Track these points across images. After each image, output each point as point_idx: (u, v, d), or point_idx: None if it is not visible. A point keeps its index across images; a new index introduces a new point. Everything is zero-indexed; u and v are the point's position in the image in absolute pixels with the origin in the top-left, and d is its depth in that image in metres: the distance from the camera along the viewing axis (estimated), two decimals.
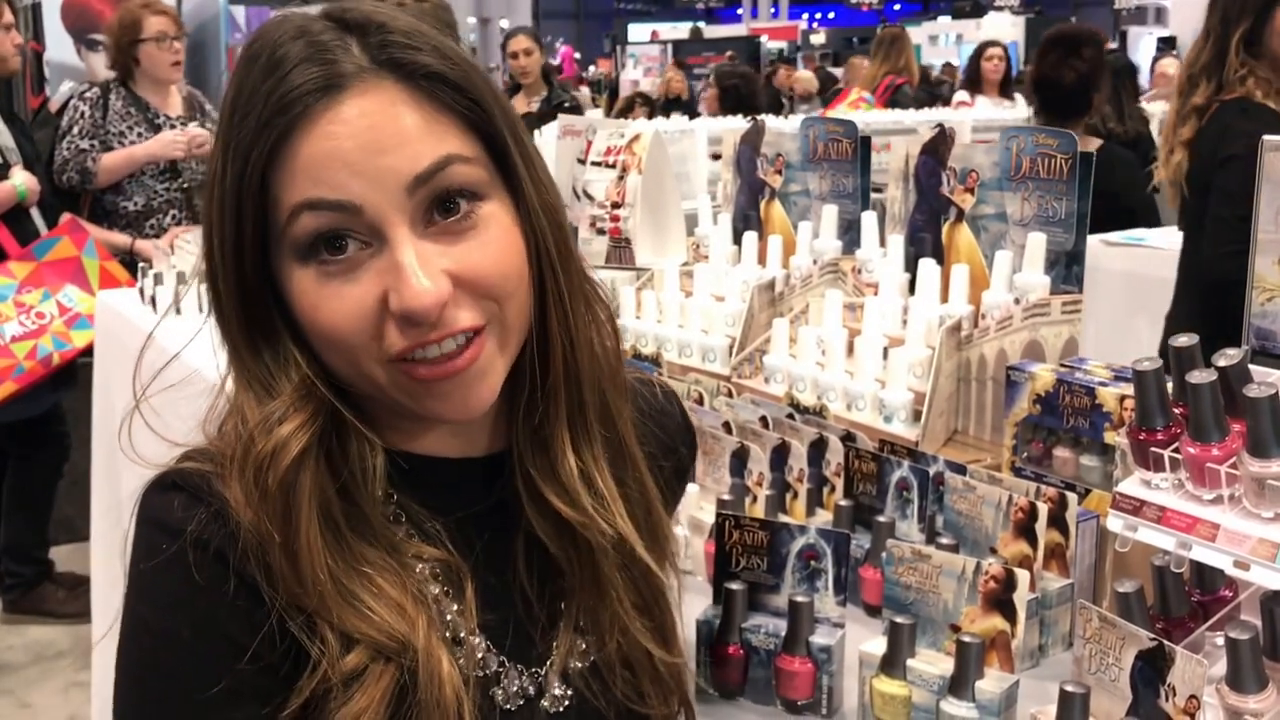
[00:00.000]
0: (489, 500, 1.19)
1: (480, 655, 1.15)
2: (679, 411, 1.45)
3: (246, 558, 1.05)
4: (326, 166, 1.02)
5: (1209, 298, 3.52)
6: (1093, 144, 4.91)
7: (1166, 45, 17.80)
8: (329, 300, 1.04)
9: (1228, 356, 1.33)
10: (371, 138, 1.02)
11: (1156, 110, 6.86)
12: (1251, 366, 1.35)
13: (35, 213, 4.76)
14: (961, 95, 8.90)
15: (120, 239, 4.92)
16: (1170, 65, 9.31)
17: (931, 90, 9.06)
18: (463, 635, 1.13)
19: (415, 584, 1.11)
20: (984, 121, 7.27)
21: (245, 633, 1.04)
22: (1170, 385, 1.40)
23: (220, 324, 1.11)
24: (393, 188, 1.02)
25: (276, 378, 1.09)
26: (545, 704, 1.18)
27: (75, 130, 4.95)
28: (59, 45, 7.02)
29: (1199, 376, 1.32)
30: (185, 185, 5.06)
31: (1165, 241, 4.33)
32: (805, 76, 13.99)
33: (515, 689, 1.16)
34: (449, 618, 1.13)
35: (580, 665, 1.20)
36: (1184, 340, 1.36)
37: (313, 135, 1.02)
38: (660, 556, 1.27)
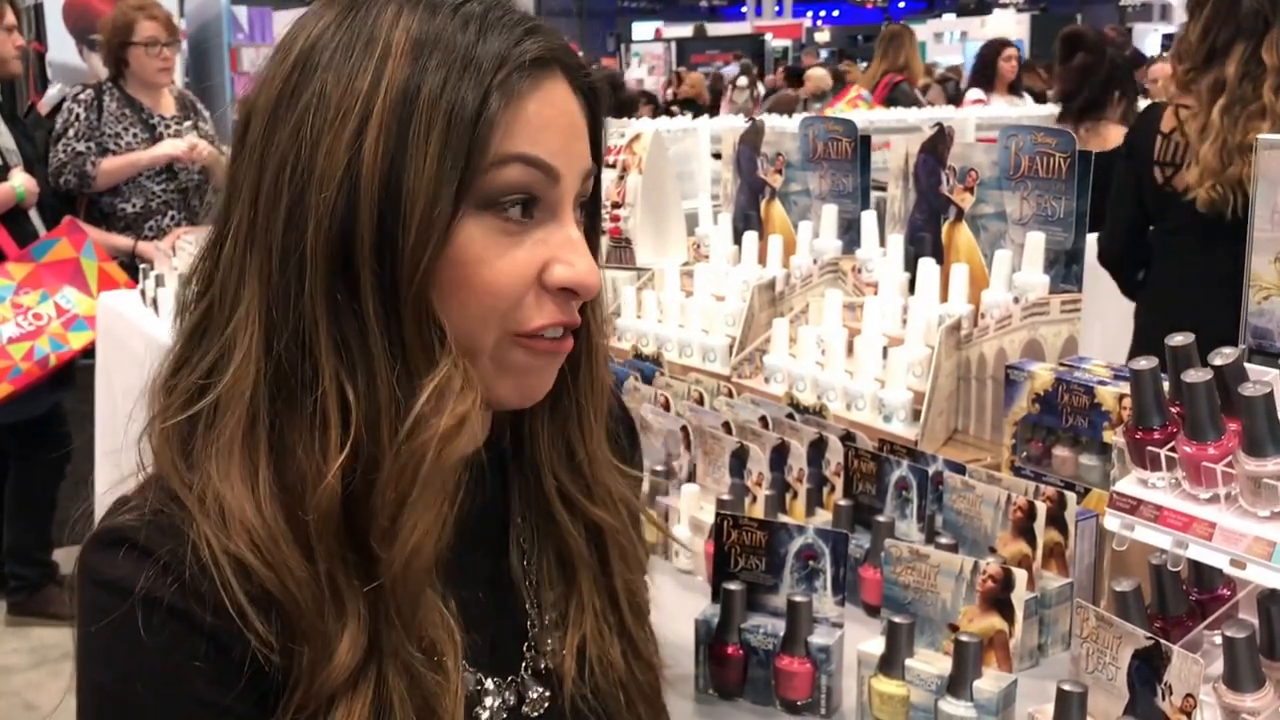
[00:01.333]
0: (473, 503, 1.16)
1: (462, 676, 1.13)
2: (616, 402, 1.38)
3: (202, 605, 0.98)
4: (548, 129, 1.04)
5: None
6: (1114, 139, 4.90)
7: (1172, 42, 17.78)
8: (496, 258, 1.03)
9: (1224, 355, 1.33)
10: (571, 121, 1.07)
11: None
12: (1247, 365, 1.35)
13: (34, 214, 4.76)
14: (976, 93, 8.88)
15: (122, 242, 4.92)
16: (1165, 69, 9.26)
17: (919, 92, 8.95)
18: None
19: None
20: (990, 119, 7.29)
21: (213, 689, 0.99)
22: (1167, 384, 1.40)
23: (373, 279, 1.00)
24: (578, 170, 1.07)
25: (430, 342, 1.01)
26: (526, 709, 1.16)
27: (71, 133, 4.94)
28: (61, 46, 7.02)
29: (1194, 375, 1.32)
30: (183, 186, 5.07)
31: None
32: (817, 75, 13.85)
33: (498, 704, 1.15)
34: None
35: (556, 665, 1.19)
36: (1179, 339, 1.36)
37: (537, 98, 1.03)
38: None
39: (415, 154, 0.98)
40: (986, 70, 9.03)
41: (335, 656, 1.00)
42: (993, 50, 9.15)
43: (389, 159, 0.98)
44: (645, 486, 1.54)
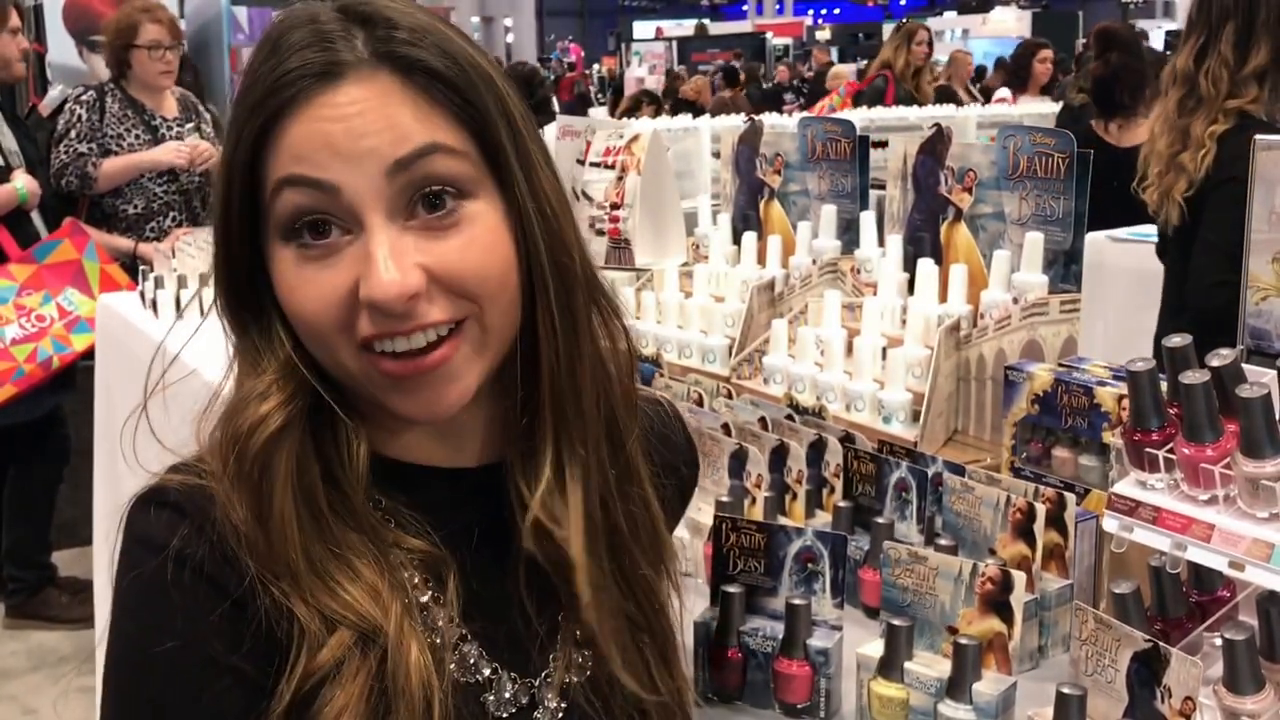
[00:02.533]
0: (481, 513, 1.18)
1: (472, 661, 1.14)
2: (682, 431, 1.44)
3: (229, 568, 1.05)
4: (311, 145, 1.03)
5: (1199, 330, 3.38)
6: (1143, 135, 4.92)
7: (1175, 39, 17.76)
8: (304, 284, 1.05)
9: (1221, 357, 1.33)
10: (359, 123, 1.03)
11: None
12: (1245, 366, 1.35)
13: (35, 215, 4.77)
14: (1004, 93, 8.88)
15: (123, 243, 4.93)
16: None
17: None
18: (451, 637, 1.13)
19: (395, 574, 1.10)
20: (991, 117, 7.33)
21: (228, 650, 1.04)
22: (1165, 385, 1.40)
23: (220, 302, 1.13)
24: (372, 171, 1.03)
25: (264, 356, 1.10)
26: (539, 715, 1.16)
27: (73, 134, 4.94)
28: (61, 47, 7.02)
29: (1192, 377, 1.31)
30: (185, 188, 5.07)
31: None
32: (844, 71, 13.82)
33: (508, 696, 1.15)
34: (434, 616, 1.12)
35: (578, 680, 1.19)
36: (1177, 341, 1.36)
37: (303, 117, 1.03)
38: (660, 575, 1.26)
39: (227, 193, 1.08)
40: (1021, 71, 9.03)
41: (334, 633, 1.06)
42: (1027, 51, 9.15)
43: (220, 198, 1.09)
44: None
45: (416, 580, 1.12)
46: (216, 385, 1.15)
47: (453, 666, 1.12)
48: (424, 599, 1.12)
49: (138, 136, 5.03)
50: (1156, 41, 20.19)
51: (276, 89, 1.04)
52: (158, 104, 5.14)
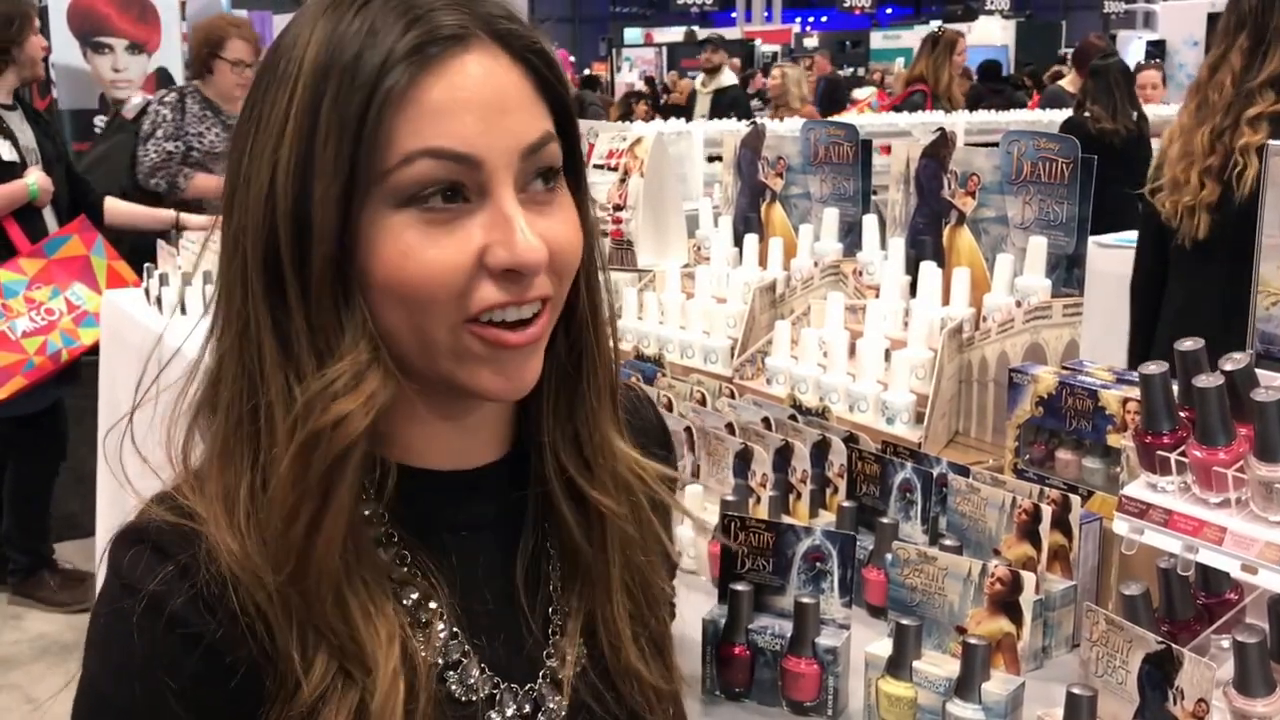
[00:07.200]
0: (492, 511, 1.18)
1: (472, 681, 1.12)
2: (653, 414, 1.43)
3: (212, 614, 1.01)
4: (454, 116, 1.00)
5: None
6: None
7: (1156, 49, 17.76)
8: (425, 249, 1.01)
9: (1234, 361, 1.34)
10: (496, 97, 1.02)
11: (1150, 113, 6.96)
12: (1258, 370, 1.36)
13: (48, 212, 4.85)
14: None
15: (165, 214, 5.09)
16: (1154, 76, 9.30)
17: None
18: (453, 656, 1.12)
19: (400, 606, 1.08)
20: (981, 124, 7.34)
21: (196, 710, 1.02)
22: (1175, 388, 1.41)
23: (296, 281, 1.02)
24: (511, 148, 1.03)
25: (343, 337, 1.02)
26: (541, 717, 1.15)
27: (159, 133, 5.28)
28: (64, 49, 7.00)
29: (1206, 381, 1.32)
30: None
31: None
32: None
33: (510, 712, 1.14)
34: (437, 634, 1.11)
35: (578, 673, 1.18)
36: (1189, 344, 1.37)
37: (440, 84, 1.01)
38: (654, 566, 1.25)
39: (320, 169, 0.99)
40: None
41: (313, 671, 1.02)
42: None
43: (299, 178, 1.00)
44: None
45: (432, 596, 1.11)
46: (186, 401, 1.09)
47: (454, 686, 1.11)
48: (426, 616, 1.10)
49: (217, 135, 5.33)
50: (1137, 51, 20.20)
51: (415, 48, 1.00)
52: (234, 106, 5.40)
